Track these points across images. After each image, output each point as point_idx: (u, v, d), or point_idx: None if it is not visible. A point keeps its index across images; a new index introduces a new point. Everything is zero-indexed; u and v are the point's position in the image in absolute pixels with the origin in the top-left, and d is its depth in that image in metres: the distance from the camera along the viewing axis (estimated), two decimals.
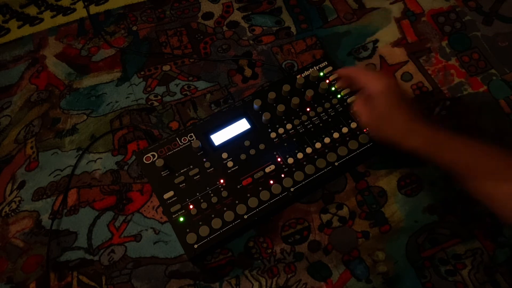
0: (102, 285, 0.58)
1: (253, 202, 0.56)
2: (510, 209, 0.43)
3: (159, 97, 0.71)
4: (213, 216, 0.56)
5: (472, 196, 0.47)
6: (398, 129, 0.52)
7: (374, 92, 0.53)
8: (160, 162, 0.58)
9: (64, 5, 0.82)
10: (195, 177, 0.58)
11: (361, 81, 0.56)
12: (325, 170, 0.59)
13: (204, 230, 0.54)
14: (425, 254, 0.59)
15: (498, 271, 0.57)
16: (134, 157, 0.66)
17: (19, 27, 0.80)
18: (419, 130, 0.50)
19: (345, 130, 0.61)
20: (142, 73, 0.74)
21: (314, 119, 0.62)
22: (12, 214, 0.63)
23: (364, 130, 0.61)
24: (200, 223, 0.55)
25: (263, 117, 0.61)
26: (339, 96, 0.64)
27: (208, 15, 0.80)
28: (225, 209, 0.56)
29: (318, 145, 0.60)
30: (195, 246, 0.54)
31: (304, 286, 0.57)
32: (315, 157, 0.59)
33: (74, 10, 0.82)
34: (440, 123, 0.67)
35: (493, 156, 0.47)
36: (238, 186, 0.58)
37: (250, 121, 0.63)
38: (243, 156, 0.59)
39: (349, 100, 0.63)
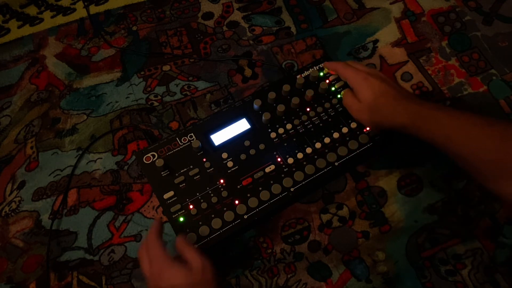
0: (102, 285, 0.58)
1: (253, 202, 0.56)
2: None
3: (159, 97, 0.71)
4: (213, 216, 0.56)
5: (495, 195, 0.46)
6: (385, 113, 0.52)
7: (356, 87, 0.55)
8: (160, 162, 0.58)
9: (64, 5, 0.82)
10: (195, 177, 0.58)
11: (343, 77, 0.59)
12: (325, 170, 0.58)
13: (204, 230, 0.54)
14: (425, 254, 0.59)
15: (498, 271, 0.57)
16: (134, 157, 0.66)
17: (19, 27, 0.80)
18: (404, 106, 0.51)
19: (345, 130, 0.61)
20: (142, 73, 0.74)
21: (314, 119, 0.62)
22: (12, 214, 0.63)
23: (365, 130, 0.61)
24: (200, 223, 0.55)
25: (263, 117, 0.61)
26: (339, 96, 0.64)
27: (208, 15, 0.80)
28: (225, 209, 0.56)
29: (318, 145, 0.60)
30: (195, 246, 0.54)
31: (304, 286, 0.57)
32: (315, 157, 0.59)
33: (74, 10, 0.82)
34: None
35: (480, 124, 0.46)
36: (238, 186, 0.58)
37: (250, 121, 0.63)
38: (243, 156, 0.59)
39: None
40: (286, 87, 0.63)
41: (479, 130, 0.46)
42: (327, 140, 0.60)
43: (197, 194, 0.57)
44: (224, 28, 0.78)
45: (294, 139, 0.61)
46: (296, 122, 0.62)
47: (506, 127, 0.45)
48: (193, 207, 0.56)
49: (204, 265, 0.46)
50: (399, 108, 0.51)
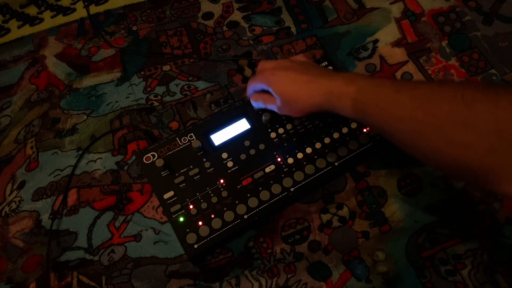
0: (102, 285, 0.58)
1: (253, 202, 0.56)
2: None
3: (159, 97, 0.71)
4: (213, 216, 0.56)
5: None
6: (304, 98, 0.52)
7: (270, 87, 0.55)
8: (160, 162, 0.58)
9: (64, 5, 0.82)
10: (195, 177, 0.58)
11: (260, 87, 0.58)
12: (325, 170, 0.59)
13: (204, 230, 0.54)
14: (425, 254, 0.59)
15: (498, 271, 0.57)
16: (134, 157, 0.66)
17: (19, 27, 0.80)
18: (315, 87, 0.50)
19: (345, 130, 0.61)
20: (142, 73, 0.74)
21: (314, 119, 0.62)
22: (12, 214, 0.63)
23: (364, 130, 0.61)
24: (200, 223, 0.55)
25: (263, 117, 0.61)
26: None
27: (208, 15, 0.80)
28: (225, 209, 0.56)
29: (318, 145, 0.60)
30: (195, 246, 0.54)
31: (304, 286, 0.57)
32: (315, 157, 0.59)
33: (74, 10, 0.82)
34: None
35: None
36: (238, 186, 0.58)
37: (250, 121, 0.63)
38: (243, 156, 0.59)
39: None
40: None
41: (391, 97, 0.43)
42: (327, 140, 0.60)
43: (197, 194, 0.57)
44: (224, 28, 0.78)
45: (294, 139, 0.61)
46: (296, 122, 0.62)
47: (415, 87, 0.41)
48: (193, 207, 0.56)
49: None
50: (312, 90, 0.51)
